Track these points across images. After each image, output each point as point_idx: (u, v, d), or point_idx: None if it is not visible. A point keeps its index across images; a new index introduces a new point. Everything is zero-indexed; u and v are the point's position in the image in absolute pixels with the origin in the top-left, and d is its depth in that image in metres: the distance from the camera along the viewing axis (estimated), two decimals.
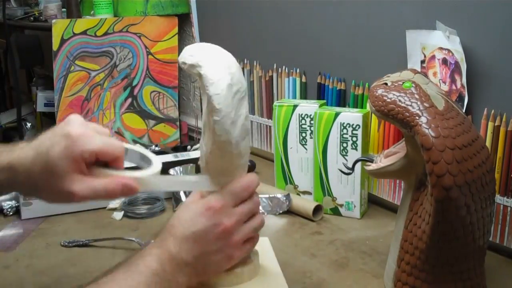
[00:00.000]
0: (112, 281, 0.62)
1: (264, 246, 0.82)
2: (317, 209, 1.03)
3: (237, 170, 0.69)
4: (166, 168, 1.14)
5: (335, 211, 1.05)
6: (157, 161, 0.67)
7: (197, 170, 0.77)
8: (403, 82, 0.70)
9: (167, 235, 0.67)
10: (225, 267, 0.70)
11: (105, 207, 1.09)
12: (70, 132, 0.60)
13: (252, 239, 0.71)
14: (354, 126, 0.99)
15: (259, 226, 0.71)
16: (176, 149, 1.32)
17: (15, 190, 0.68)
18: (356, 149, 1.00)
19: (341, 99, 1.13)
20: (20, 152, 0.62)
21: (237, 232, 0.69)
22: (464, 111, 0.87)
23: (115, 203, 1.08)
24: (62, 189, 0.59)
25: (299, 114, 1.07)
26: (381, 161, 0.77)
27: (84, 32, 1.38)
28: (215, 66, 0.66)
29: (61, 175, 0.59)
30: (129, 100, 1.49)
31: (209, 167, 0.69)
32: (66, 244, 0.94)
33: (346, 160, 1.00)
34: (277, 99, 1.31)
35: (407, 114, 0.67)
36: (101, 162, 0.62)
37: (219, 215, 0.67)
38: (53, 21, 1.36)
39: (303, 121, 1.07)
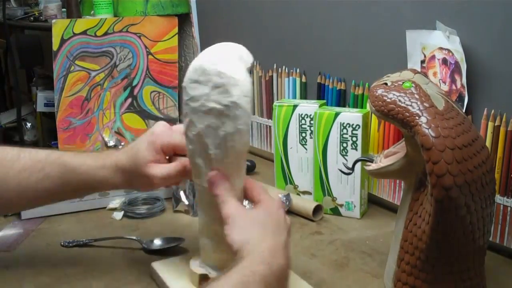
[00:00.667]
0: None
1: None
2: (317, 209, 1.03)
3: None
4: None
5: (335, 211, 1.05)
6: None
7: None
8: (403, 82, 0.70)
9: (272, 246, 0.65)
10: None
11: (105, 207, 1.09)
12: (154, 130, 0.79)
13: None
14: (354, 126, 0.99)
15: None
16: None
17: (113, 186, 0.81)
18: (356, 149, 1.00)
19: (341, 99, 1.13)
20: (118, 154, 0.80)
21: None
22: (464, 111, 0.87)
23: (115, 203, 1.08)
24: (146, 174, 0.76)
25: (299, 114, 1.07)
26: (381, 161, 0.77)
27: (84, 32, 1.38)
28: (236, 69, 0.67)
29: (145, 163, 0.76)
30: (129, 100, 1.49)
31: (229, 170, 0.69)
32: (66, 244, 0.94)
33: (346, 160, 1.00)
34: (277, 99, 1.31)
35: (407, 114, 0.67)
36: (180, 155, 0.78)
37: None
38: (53, 21, 1.35)
39: (303, 121, 1.07)
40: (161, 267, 0.81)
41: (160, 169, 0.76)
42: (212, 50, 0.69)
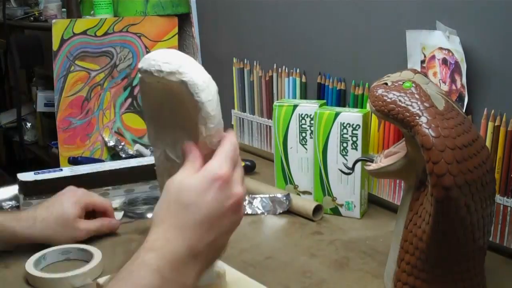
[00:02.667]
0: None
1: None
2: (317, 209, 1.03)
3: None
4: None
5: (335, 211, 1.05)
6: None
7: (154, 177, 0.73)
8: (403, 82, 0.70)
9: (166, 226, 0.55)
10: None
11: None
12: (74, 191, 0.93)
13: None
14: (354, 126, 0.99)
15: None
16: None
17: (29, 237, 0.89)
18: (356, 149, 1.00)
19: (341, 99, 1.14)
20: (37, 210, 0.90)
21: (243, 200, 0.59)
22: (464, 111, 0.87)
23: (115, 203, 1.08)
24: (74, 227, 0.90)
25: (299, 114, 1.07)
26: (381, 161, 0.77)
27: (84, 32, 1.38)
28: (199, 71, 0.62)
29: (73, 218, 0.90)
30: (129, 100, 1.49)
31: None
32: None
33: (346, 160, 1.00)
34: (277, 99, 1.31)
35: (407, 114, 0.67)
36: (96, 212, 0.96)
37: (229, 184, 0.57)
38: (53, 21, 1.36)
39: (303, 121, 1.07)
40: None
41: (87, 224, 0.92)
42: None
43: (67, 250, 0.88)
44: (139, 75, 0.65)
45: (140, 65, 0.63)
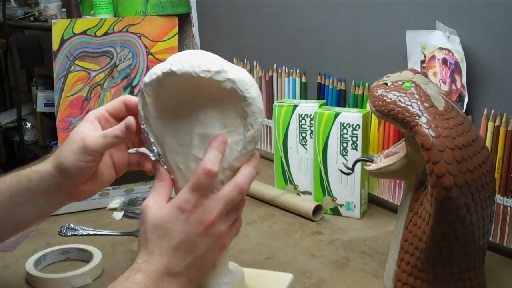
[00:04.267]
0: None
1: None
2: (317, 209, 1.03)
3: None
4: None
5: (335, 211, 1.05)
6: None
7: None
8: (403, 82, 0.70)
9: (149, 251, 0.62)
10: (218, 258, 0.67)
11: (105, 207, 1.09)
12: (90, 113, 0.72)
13: (237, 218, 0.67)
14: (354, 126, 0.99)
15: (240, 205, 0.66)
16: None
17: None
18: (356, 149, 1.00)
19: (341, 99, 1.13)
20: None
21: (222, 221, 0.64)
22: (464, 111, 0.87)
23: (115, 203, 1.08)
24: (82, 145, 0.66)
25: (299, 114, 1.07)
26: (381, 161, 0.77)
27: (84, 32, 1.38)
28: (239, 69, 0.64)
29: (83, 136, 0.67)
30: None
31: (234, 173, 0.66)
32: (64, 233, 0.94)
33: (346, 160, 1.00)
34: (277, 99, 1.31)
35: (407, 114, 0.67)
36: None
37: (195, 213, 0.62)
38: (53, 21, 1.35)
39: (303, 121, 1.07)
40: None
41: (97, 133, 0.68)
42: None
43: (67, 250, 0.88)
44: (155, 78, 0.64)
45: (175, 68, 0.62)
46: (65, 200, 0.72)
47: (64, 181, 0.68)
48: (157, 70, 0.64)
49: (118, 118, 0.70)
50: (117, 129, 0.67)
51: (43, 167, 0.70)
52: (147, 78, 0.65)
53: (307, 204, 1.03)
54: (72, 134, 0.69)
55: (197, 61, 0.63)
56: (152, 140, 0.67)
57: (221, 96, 0.64)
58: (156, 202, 0.65)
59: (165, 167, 0.67)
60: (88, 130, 0.68)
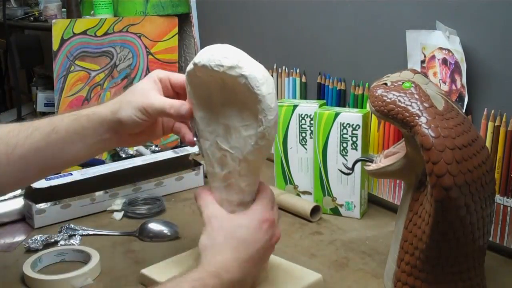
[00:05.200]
0: None
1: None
2: (316, 210, 1.03)
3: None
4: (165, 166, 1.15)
5: (335, 211, 1.05)
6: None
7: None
8: (403, 82, 0.70)
9: (228, 257, 0.67)
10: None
11: (105, 210, 1.08)
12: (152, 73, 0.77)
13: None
14: (354, 126, 0.99)
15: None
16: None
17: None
18: (356, 149, 1.00)
19: (341, 99, 1.13)
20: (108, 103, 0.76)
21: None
22: (464, 111, 0.87)
23: (116, 205, 1.08)
24: (146, 97, 0.72)
25: (299, 114, 1.07)
26: (381, 161, 0.77)
27: (84, 32, 1.38)
28: (257, 65, 0.65)
29: (147, 89, 0.73)
30: None
31: (250, 167, 0.70)
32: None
33: (346, 160, 1.00)
34: (277, 99, 1.31)
35: (407, 114, 0.67)
36: None
37: (274, 227, 0.71)
38: (53, 21, 1.35)
39: (303, 121, 1.07)
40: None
41: (159, 97, 0.74)
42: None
43: (62, 252, 0.88)
44: (191, 68, 0.68)
45: (197, 60, 0.66)
46: (115, 144, 0.77)
47: (118, 128, 0.73)
48: (192, 61, 0.67)
49: (176, 90, 0.76)
50: (183, 108, 0.71)
51: (102, 110, 0.74)
52: (188, 67, 0.69)
53: (306, 204, 1.03)
54: (135, 88, 0.75)
55: (214, 54, 0.65)
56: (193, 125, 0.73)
57: (240, 90, 0.66)
58: (220, 211, 0.72)
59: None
60: (151, 90, 0.73)
